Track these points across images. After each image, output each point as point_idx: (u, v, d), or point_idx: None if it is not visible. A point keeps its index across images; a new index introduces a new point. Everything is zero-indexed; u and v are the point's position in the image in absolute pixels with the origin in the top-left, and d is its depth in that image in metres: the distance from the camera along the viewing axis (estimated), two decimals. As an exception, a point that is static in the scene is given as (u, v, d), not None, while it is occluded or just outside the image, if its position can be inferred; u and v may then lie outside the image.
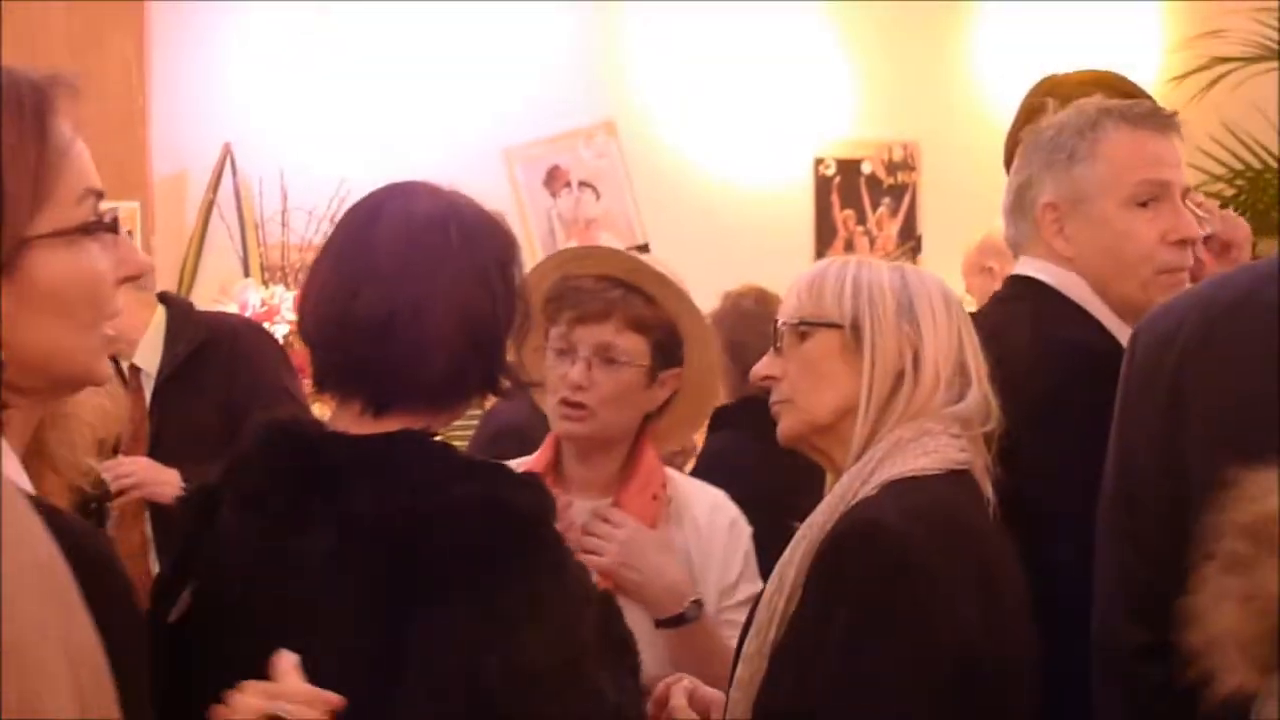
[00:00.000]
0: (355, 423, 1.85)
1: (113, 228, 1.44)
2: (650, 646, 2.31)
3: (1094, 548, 2.08)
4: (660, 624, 2.46)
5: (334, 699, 1.67)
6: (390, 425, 1.83)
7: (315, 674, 1.69)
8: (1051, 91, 2.86)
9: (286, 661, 1.69)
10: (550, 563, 1.78)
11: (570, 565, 1.82)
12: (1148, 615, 1.88)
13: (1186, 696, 1.80)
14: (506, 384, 1.91)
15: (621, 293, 2.52)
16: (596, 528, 2.50)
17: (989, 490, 2.10)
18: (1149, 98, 2.78)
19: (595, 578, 2.18)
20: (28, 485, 1.41)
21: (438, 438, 1.88)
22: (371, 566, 1.73)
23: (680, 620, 2.46)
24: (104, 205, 1.46)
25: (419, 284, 1.82)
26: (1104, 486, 1.98)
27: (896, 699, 1.92)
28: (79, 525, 1.35)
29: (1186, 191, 2.54)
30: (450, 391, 1.86)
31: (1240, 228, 2.78)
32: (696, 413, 2.70)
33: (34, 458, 1.57)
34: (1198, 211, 2.64)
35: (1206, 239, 2.66)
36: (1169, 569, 1.83)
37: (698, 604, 2.47)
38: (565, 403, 2.52)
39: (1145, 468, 1.89)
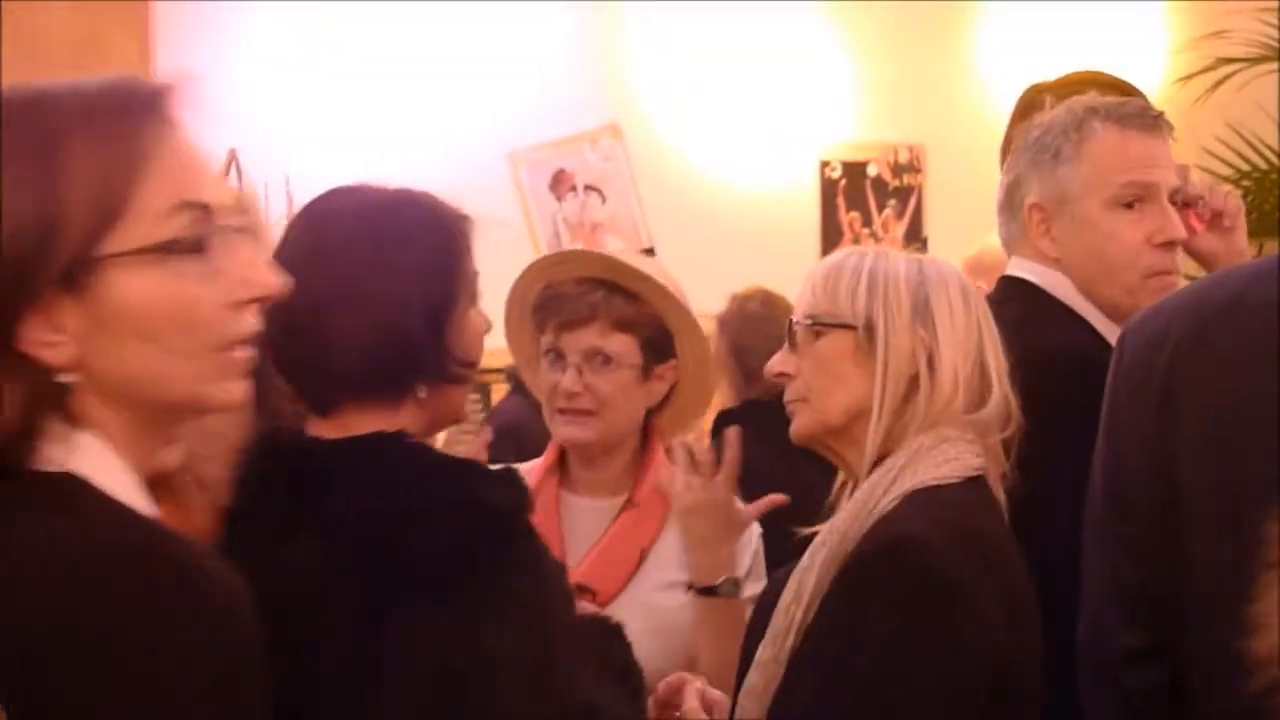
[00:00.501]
0: (316, 425, 1.86)
1: (198, 247, 1.30)
2: (657, 635, 2.31)
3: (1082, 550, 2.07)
4: (691, 589, 2.47)
5: None
6: (351, 426, 1.83)
7: (304, 678, 1.70)
8: (1047, 89, 2.85)
9: None
10: (526, 558, 1.77)
11: (546, 559, 1.82)
12: (1139, 618, 1.87)
13: (1177, 698, 1.81)
14: (458, 371, 1.90)
15: (603, 294, 2.52)
16: (689, 465, 2.50)
17: (1001, 496, 2.09)
18: (1143, 97, 2.77)
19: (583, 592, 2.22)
20: (141, 502, 1.31)
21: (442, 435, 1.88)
22: (354, 568, 1.74)
23: (712, 592, 2.46)
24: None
25: (324, 280, 1.81)
26: (1092, 489, 1.96)
27: (926, 716, 1.91)
28: (170, 537, 1.26)
29: (1176, 191, 2.53)
30: (379, 387, 1.85)
31: (1231, 198, 2.76)
32: (695, 404, 2.68)
33: (178, 476, 1.55)
34: (1190, 178, 2.63)
35: (1193, 204, 2.64)
36: (1160, 572, 1.83)
37: (734, 582, 2.47)
38: (563, 411, 2.52)
39: (1136, 470, 1.88)
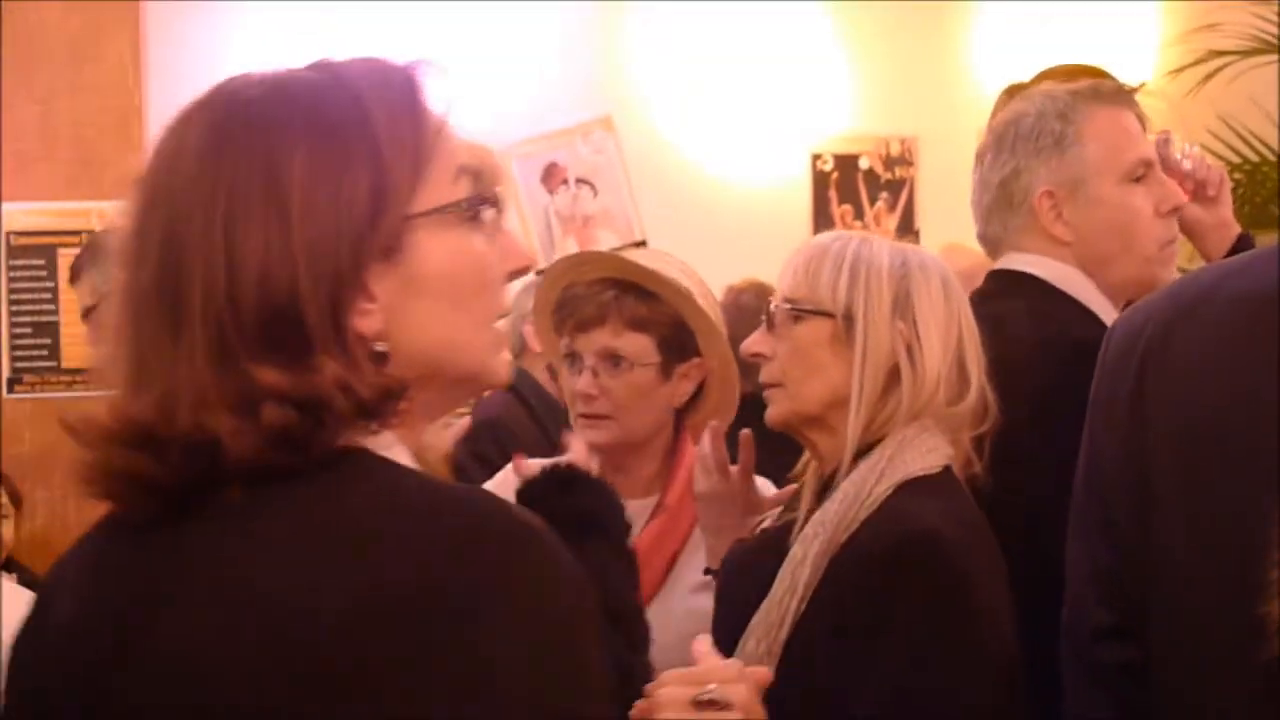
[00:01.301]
0: None
1: (496, 203, 1.31)
2: (693, 638, 2.32)
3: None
4: (709, 572, 2.45)
5: (762, 673, 1.70)
6: None
7: None
8: (1017, 89, 2.87)
9: (704, 644, 1.71)
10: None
11: None
12: (1115, 600, 1.90)
13: (1146, 675, 1.83)
14: None
15: (615, 294, 2.49)
16: (710, 457, 2.46)
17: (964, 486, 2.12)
18: (1113, 79, 2.79)
19: None
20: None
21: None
22: None
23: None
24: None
25: None
26: (1077, 478, 1.98)
27: (962, 710, 1.91)
28: (500, 504, 1.21)
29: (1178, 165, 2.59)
30: None
31: (1214, 169, 2.79)
32: (727, 400, 2.64)
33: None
34: (1185, 152, 2.66)
35: (1174, 173, 2.66)
36: (1136, 559, 1.85)
37: None
38: (582, 415, 2.50)
39: (1114, 460, 1.89)
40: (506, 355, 1.34)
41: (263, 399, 1.16)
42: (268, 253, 1.19)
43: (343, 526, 1.16)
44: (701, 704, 1.64)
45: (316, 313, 1.19)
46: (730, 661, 1.71)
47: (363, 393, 1.19)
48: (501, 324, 1.33)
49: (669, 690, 1.65)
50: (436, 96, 1.32)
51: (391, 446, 1.24)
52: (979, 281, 2.60)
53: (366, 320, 1.22)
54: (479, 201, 1.29)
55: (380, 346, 1.23)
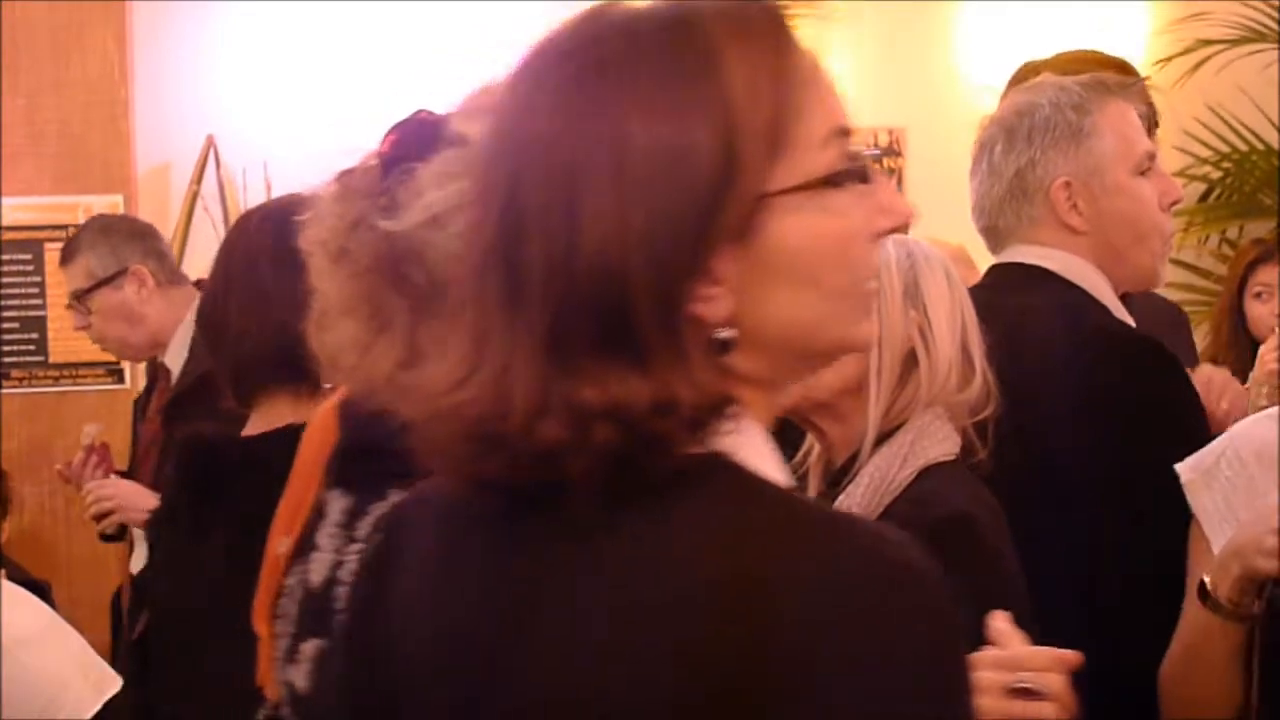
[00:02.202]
0: (252, 421, 2.01)
1: (863, 175, 1.18)
2: None
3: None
4: None
5: (1070, 656, 1.64)
6: (272, 418, 1.96)
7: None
8: (1044, 66, 2.89)
9: (1004, 622, 1.66)
10: None
11: None
12: None
13: None
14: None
15: None
16: None
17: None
18: (1136, 74, 2.81)
19: None
20: (785, 478, 1.16)
21: None
22: (257, 563, 1.77)
23: None
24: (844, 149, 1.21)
25: (221, 273, 2.03)
26: None
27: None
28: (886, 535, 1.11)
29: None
30: (265, 375, 1.93)
31: (1236, 405, 2.82)
32: None
33: None
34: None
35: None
36: None
37: None
38: None
39: None
40: (868, 321, 1.21)
41: (596, 416, 1.05)
42: (605, 229, 1.06)
43: (711, 565, 1.05)
44: (1016, 692, 1.62)
45: (650, 304, 1.07)
46: (1042, 649, 1.66)
47: (700, 402, 1.07)
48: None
49: (983, 676, 1.60)
50: (806, 43, 1.18)
51: (747, 431, 1.12)
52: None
53: (709, 306, 1.09)
54: (847, 177, 1.16)
55: (725, 333, 1.10)
